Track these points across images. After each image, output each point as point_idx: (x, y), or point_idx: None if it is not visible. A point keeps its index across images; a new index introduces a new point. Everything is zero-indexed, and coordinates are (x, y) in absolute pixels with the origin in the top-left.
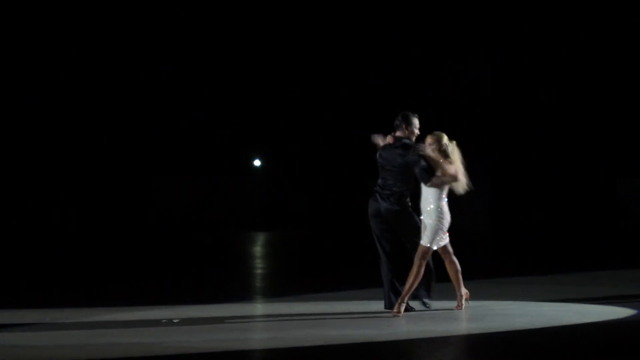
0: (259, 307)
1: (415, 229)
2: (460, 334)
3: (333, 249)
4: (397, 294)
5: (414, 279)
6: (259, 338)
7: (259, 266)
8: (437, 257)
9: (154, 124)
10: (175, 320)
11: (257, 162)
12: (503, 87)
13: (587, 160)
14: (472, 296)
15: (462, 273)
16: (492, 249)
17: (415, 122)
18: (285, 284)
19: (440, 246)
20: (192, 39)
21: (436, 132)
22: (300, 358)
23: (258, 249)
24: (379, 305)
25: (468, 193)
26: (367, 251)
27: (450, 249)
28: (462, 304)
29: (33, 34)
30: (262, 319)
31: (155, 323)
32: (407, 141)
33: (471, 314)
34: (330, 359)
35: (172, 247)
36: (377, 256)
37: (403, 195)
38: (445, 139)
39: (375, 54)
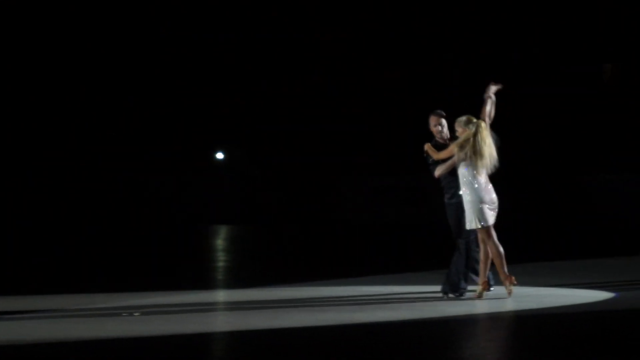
0: (221, 294)
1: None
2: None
3: (297, 242)
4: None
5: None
6: (220, 323)
7: (220, 259)
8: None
9: (130, 120)
10: (135, 314)
11: (219, 155)
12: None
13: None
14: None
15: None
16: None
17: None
18: (248, 275)
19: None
20: (156, 31)
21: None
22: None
23: (220, 242)
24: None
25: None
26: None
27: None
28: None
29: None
30: (224, 305)
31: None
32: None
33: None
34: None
35: (136, 241)
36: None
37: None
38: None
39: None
